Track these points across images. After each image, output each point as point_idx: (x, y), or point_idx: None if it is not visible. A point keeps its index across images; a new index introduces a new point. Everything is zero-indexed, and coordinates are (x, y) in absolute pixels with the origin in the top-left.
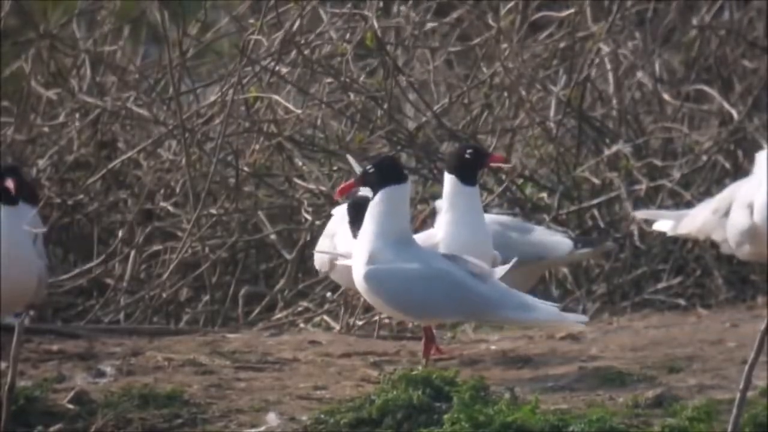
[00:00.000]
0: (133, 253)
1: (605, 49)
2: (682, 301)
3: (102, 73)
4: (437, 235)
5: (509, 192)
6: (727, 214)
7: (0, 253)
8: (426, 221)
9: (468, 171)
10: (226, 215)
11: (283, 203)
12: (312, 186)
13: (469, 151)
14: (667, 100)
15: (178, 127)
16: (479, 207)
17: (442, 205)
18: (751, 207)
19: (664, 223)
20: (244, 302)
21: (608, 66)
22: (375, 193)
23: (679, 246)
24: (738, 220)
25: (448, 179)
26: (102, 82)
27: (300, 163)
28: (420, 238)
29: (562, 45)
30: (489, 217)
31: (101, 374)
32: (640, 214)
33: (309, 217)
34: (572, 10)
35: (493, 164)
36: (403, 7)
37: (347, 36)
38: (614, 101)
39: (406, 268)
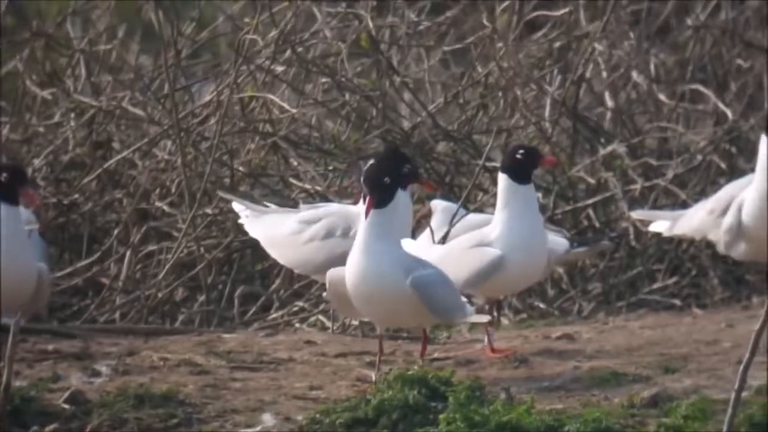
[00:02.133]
0: (128, 252)
1: (600, 48)
2: (677, 301)
3: (97, 72)
4: (491, 234)
5: None
6: (723, 214)
7: None
8: (422, 221)
9: (520, 170)
10: (222, 215)
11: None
12: (308, 186)
13: (521, 151)
14: (662, 100)
15: (173, 126)
16: (535, 205)
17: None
18: (740, 205)
19: (660, 224)
20: (239, 302)
21: (602, 66)
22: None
23: (674, 246)
24: (727, 219)
25: (502, 178)
26: (97, 81)
27: (295, 163)
28: (474, 237)
29: (557, 45)
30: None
31: (97, 374)
32: (636, 215)
33: None
34: (567, 9)
35: (545, 166)
36: None
37: (342, 35)
38: (609, 101)
39: (442, 272)
